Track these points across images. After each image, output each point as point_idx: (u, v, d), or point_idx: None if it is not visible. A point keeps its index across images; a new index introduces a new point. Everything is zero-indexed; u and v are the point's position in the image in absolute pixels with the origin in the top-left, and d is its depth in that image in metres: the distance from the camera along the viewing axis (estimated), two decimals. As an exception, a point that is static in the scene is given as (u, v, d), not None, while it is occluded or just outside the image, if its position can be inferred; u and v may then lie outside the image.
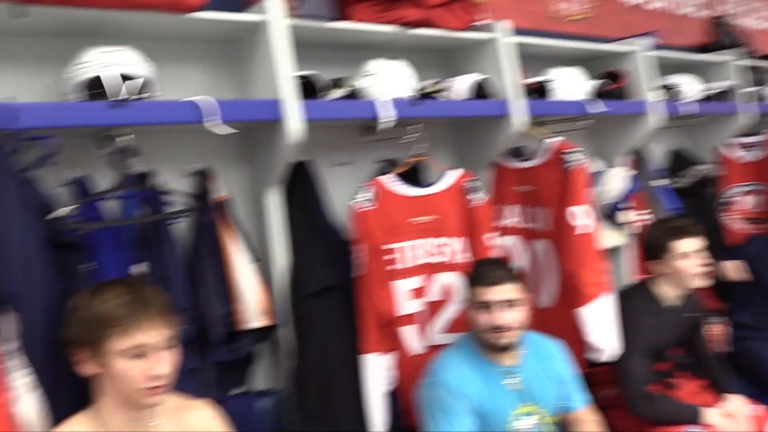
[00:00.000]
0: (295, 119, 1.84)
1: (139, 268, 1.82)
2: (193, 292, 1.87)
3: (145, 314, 1.32)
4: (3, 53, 1.77)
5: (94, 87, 1.64)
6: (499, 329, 1.82)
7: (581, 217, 2.25)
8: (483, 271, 1.88)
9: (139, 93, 1.68)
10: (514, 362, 1.91)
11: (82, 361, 1.35)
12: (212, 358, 1.91)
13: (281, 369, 2.13)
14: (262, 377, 2.18)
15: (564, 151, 2.31)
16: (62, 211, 1.53)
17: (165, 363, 1.35)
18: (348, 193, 2.16)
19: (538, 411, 1.91)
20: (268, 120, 1.85)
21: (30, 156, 1.51)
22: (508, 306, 1.82)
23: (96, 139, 1.80)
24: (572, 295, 2.26)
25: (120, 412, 1.37)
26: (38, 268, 1.44)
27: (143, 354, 1.32)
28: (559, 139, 2.39)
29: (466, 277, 1.94)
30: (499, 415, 1.85)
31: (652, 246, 2.34)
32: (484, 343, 1.87)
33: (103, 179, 1.87)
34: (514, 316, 1.83)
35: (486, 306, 1.83)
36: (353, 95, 2.08)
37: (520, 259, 2.45)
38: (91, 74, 1.63)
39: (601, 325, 2.22)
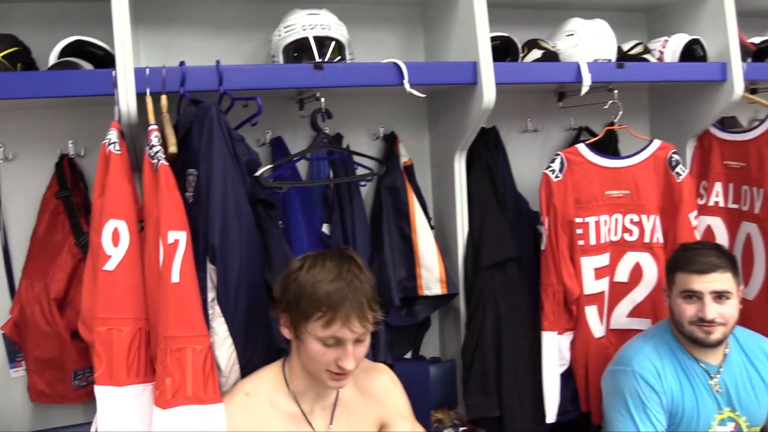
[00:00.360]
0: (489, 82, 1.76)
1: (325, 228, 1.88)
2: (376, 255, 1.90)
3: (351, 308, 1.26)
4: (215, 20, 1.88)
5: (297, 50, 1.67)
6: (707, 324, 1.62)
7: (810, 201, 1.96)
8: (693, 255, 1.66)
9: (337, 55, 1.69)
10: (717, 361, 1.71)
11: (283, 324, 1.36)
12: (389, 321, 1.93)
13: (452, 339, 2.11)
14: (431, 345, 2.18)
15: (796, 123, 2.01)
16: (264, 170, 1.58)
17: (354, 359, 1.30)
18: (534, 162, 2.05)
19: (739, 418, 1.70)
20: (463, 83, 1.78)
21: (237, 116, 1.58)
22: (719, 298, 1.62)
23: (290, 101, 1.86)
24: (786, 288, 1.99)
25: (304, 375, 1.39)
26: (242, 222, 1.50)
27: (338, 344, 1.29)
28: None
29: (670, 261, 1.75)
30: (695, 418, 1.67)
31: None
32: (686, 337, 1.68)
33: (294, 140, 1.94)
34: (725, 310, 1.62)
35: (694, 296, 1.64)
36: (548, 57, 1.95)
37: (721, 243, 2.19)
38: (295, 37, 1.67)
39: (821, 326, 1.94)
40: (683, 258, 1.68)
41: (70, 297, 1.68)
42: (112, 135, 1.42)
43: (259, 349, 1.54)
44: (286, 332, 1.36)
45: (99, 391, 1.32)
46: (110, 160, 1.39)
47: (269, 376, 1.42)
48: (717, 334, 1.63)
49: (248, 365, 1.50)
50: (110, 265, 1.35)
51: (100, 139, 1.42)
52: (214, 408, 1.32)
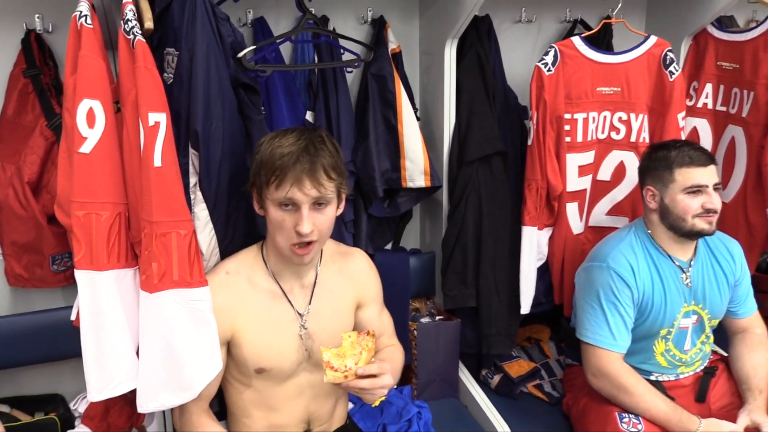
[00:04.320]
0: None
1: (309, 116, 1.82)
2: (361, 145, 1.86)
3: (302, 169, 1.26)
4: None
5: None
6: (711, 213, 1.66)
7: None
8: (688, 151, 1.67)
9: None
10: (688, 257, 1.76)
11: (255, 201, 1.37)
12: (371, 212, 1.93)
13: (432, 231, 2.12)
14: (411, 237, 2.20)
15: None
16: (247, 51, 1.50)
17: (309, 222, 1.29)
18: (526, 55, 1.98)
19: (702, 311, 1.78)
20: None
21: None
22: (716, 189, 1.67)
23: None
24: (764, 192, 2.01)
25: (278, 253, 1.40)
26: (225, 106, 1.44)
27: (293, 208, 1.30)
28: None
29: (659, 160, 1.71)
30: (662, 311, 1.73)
31: None
32: (684, 232, 1.69)
33: (278, 21, 1.83)
34: (719, 201, 1.67)
35: (699, 190, 1.65)
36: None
37: (705, 145, 2.18)
38: None
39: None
40: (679, 155, 1.67)
41: (44, 181, 1.63)
42: (83, 7, 1.30)
43: (238, 234, 1.55)
44: (257, 207, 1.38)
45: (79, 275, 1.30)
46: (82, 34, 1.29)
47: (249, 256, 1.45)
48: (715, 223, 1.68)
49: (228, 250, 1.52)
50: (86, 148, 1.28)
51: (69, 15, 1.31)
52: (200, 291, 1.33)
